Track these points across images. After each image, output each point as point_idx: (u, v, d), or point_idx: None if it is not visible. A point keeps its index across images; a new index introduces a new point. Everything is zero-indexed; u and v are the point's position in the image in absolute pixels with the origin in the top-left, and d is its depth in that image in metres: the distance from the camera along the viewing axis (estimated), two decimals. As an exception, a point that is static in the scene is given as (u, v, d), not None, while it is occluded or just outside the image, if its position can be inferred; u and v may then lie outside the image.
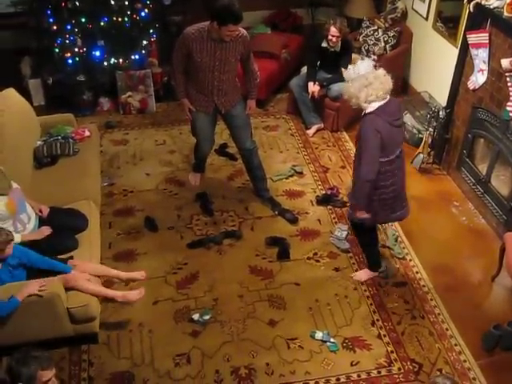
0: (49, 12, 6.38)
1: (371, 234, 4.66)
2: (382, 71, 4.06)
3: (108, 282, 4.47)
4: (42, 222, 4.40)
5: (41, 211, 4.44)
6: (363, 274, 4.81)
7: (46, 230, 4.28)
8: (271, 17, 8.30)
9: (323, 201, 5.62)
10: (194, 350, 4.18)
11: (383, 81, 3.96)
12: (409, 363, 4.12)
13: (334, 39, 6.09)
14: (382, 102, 3.96)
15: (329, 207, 5.58)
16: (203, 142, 5.46)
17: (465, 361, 4.13)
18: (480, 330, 4.30)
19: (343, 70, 6.02)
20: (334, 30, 5.99)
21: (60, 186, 4.89)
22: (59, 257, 4.16)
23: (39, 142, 5.28)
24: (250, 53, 4.98)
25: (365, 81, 3.94)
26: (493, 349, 4.21)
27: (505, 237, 4.51)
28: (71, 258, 4.21)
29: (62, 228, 4.35)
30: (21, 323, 3.83)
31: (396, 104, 4.11)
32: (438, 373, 4.01)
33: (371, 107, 3.96)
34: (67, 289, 3.90)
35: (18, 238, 4.09)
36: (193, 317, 4.39)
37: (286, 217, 5.39)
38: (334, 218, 5.43)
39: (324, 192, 5.73)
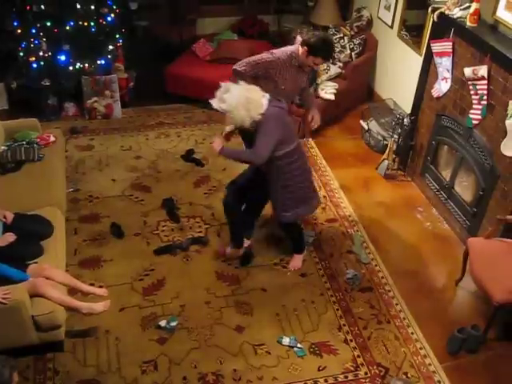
0: (13, 15, 6.28)
1: (298, 227, 4.96)
2: (244, 83, 4.20)
3: (70, 290, 4.37)
4: (6, 228, 4.32)
5: (5, 217, 4.36)
6: (297, 261, 4.95)
7: (10, 237, 4.20)
8: (238, 23, 8.32)
9: (290, 207, 5.64)
10: (161, 356, 4.15)
11: (254, 89, 4.12)
12: (375, 367, 4.15)
13: (300, 49, 6.14)
14: (267, 97, 4.12)
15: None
16: None
17: (430, 364, 4.19)
18: (444, 334, 4.37)
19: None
20: (299, 40, 6.03)
21: (24, 192, 4.82)
22: (28, 262, 4.11)
23: (3, 147, 5.21)
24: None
25: (244, 100, 4.02)
26: (457, 352, 4.27)
27: (468, 242, 4.59)
28: (35, 263, 4.15)
29: (27, 234, 4.28)
30: (-17, 331, 3.76)
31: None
32: (404, 377, 4.06)
33: (263, 108, 4.08)
34: (32, 296, 3.84)
35: (-19, 245, 4.03)
36: (160, 323, 4.36)
37: None
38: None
39: (291, 198, 5.75)
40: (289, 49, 4.74)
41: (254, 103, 4.03)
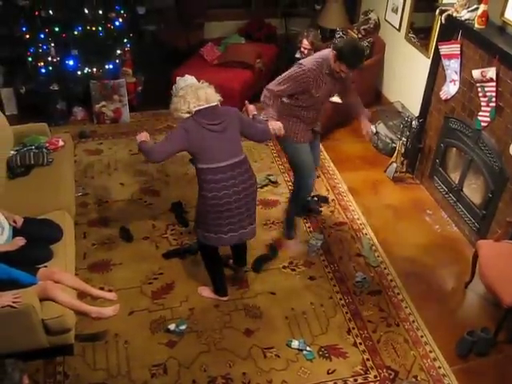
0: (22, 20, 6.31)
1: (213, 258, 4.53)
2: (200, 84, 4.11)
3: (80, 294, 4.37)
4: (15, 232, 4.33)
5: (15, 222, 4.37)
6: (205, 291, 4.71)
7: (20, 241, 4.21)
8: (245, 27, 8.34)
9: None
10: (171, 360, 4.16)
11: (198, 92, 3.96)
12: (385, 370, 4.14)
13: (306, 52, 6.15)
14: (200, 107, 3.92)
15: (303, 216, 5.60)
16: (311, 174, 4.97)
17: (439, 367, 4.17)
18: (454, 337, 4.35)
19: None
20: (305, 43, 6.04)
21: (34, 197, 4.84)
22: (37, 266, 4.11)
23: (12, 152, 5.22)
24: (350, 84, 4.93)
25: (179, 92, 4.01)
26: (467, 355, 4.26)
27: (477, 244, 4.58)
28: (45, 267, 4.17)
29: (36, 239, 4.30)
30: (-6, 335, 3.77)
31: (218, 110, 4.02)
32: (414, 380, 4.05)
33: (184, 115, 3.97)
34: (42, 299, 3.85)
35: (-9, 249, 4.04)
36: (169, 327, 4.36)
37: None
38: (308, 227, 5.45)
39: (299, 201, 5.75)
40: (319, 55, 4.54)
41: (181, 101, 3.95)
